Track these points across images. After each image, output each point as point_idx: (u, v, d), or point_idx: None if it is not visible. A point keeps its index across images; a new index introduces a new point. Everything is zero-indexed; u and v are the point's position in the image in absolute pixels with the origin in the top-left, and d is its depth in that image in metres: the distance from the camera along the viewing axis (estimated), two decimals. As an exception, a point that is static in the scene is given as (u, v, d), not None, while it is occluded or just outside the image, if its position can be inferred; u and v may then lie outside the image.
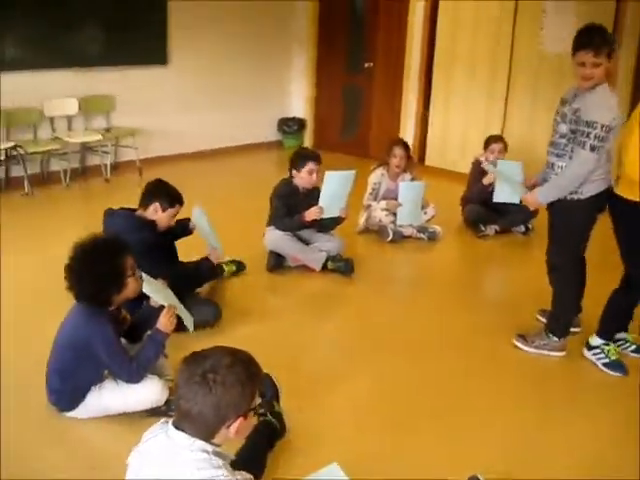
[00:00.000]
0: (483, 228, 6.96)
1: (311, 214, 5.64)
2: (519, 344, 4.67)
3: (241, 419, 2.33)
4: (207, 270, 5.06)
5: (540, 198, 4.40)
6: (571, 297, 4.60)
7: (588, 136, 4.06)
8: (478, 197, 6.97)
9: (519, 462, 3.51)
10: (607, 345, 4.47)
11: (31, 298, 5.00)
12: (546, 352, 4.60)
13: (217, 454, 2.34)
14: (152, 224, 4.61)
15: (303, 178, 5.73)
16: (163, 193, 4.65)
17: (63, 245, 3.55)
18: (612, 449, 3.66)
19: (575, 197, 4.26)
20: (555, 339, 4.58)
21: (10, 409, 3.70)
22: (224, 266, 5.50)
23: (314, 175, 5.72)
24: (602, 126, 4.02)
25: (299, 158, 5.78)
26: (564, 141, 4.23)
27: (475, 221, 7.06)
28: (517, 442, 3.69)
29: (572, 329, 4.72)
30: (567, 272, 4.53)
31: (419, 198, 6.68)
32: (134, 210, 4.68)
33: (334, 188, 5.65)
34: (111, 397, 3.60)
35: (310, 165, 5.70)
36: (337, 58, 10.44)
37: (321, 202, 5.65)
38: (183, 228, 5.09)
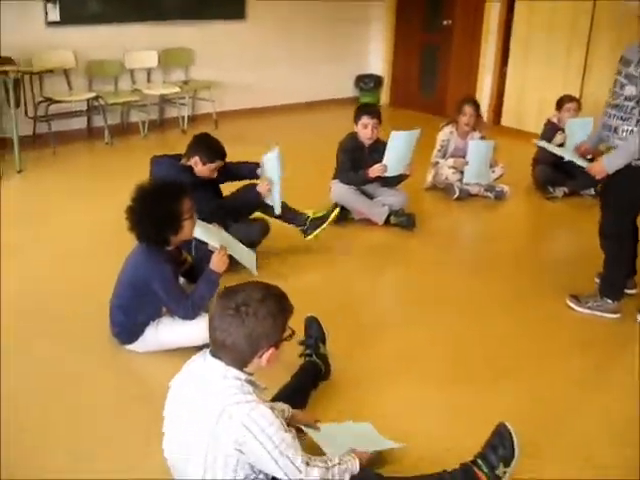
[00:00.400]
0: (552, 190, 6.91)
1: (375, 171, 5.72)
2: (572, 304, 4.67)
3: (272, 349, 2.48)
4: (254, 197, 5.05)
5: (607, 166, 4.26)
6: (621, 262, 4.54)
7: None
8: (549, 158, 6.92)
9: (554, 418, 3.56)
10: None
11: (108, 235, 5.22)
12: (599, 313, 4.58)
13: (250, 382, 2.49)
14: (192, 170, 4.76)
15: (360, 131, 5.81)
16: (204, 147, 4.78)
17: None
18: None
19: (637, 164, 4.15)
20: (609, 301, 4.56)
21: (76, 338, 3.97)
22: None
23: (369, 128, 5.78)
24: None
25: (356, 112, 5.87)
26: (631, 104, 4.12)
27: (544, 182, 7.02)
28: (557, 400, 3.74)
29: (627, 291, 4.71)
30: (620, 240, 4.48)
31: (487, 157, 6.68)
32: (180, 157, 4.85)
33: (399, 147, 5.72)
34: (167, 332, 3.81)
35: (364, 119, 5.77)
36: (416, 16, 10.40)
37: (385, 160, 5.71)
38: (249, 170, 5.16)
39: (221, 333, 2.42)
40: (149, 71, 8.55)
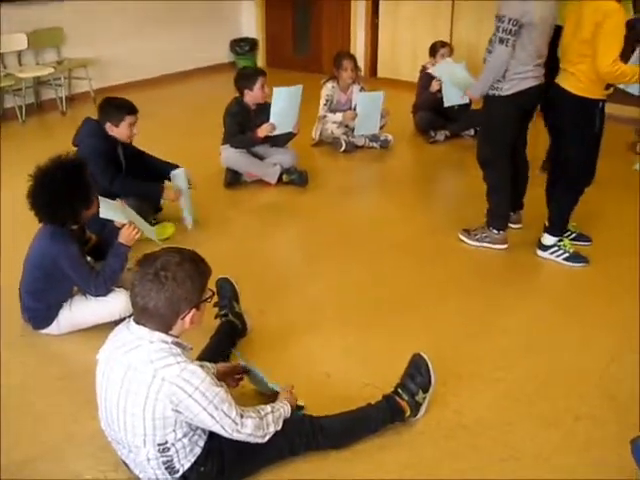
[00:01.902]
0: (433, 134, 7.17)
1: (263, 130, 5.82)
2: (463, 237, 4.96)
3: (194, 310, 2.58)
4: (155, 195, 5.08)
5: (472, 91, 4.68)
6: (502, 191, 4.79)
7: (498, 29, 4.28)
8: (428, 104, 7.16)
9: (464, 340, 3.86)
10: (561, 241, 4.70)
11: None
12: (487, 244, 4.88)
13: (176, 344, 2.58)
14: (112, 138, 4.78)
15: (256, 94, 5.88)
16: (109, 110, 4.78)
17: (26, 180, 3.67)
18: (547, 331, 3.99)
19: (496, 93, 4.49)
20: (495, 232, 4.84)
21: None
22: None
23: (265, 89, 5.89)
24: (509, 20, 4.22)
25: (249, 77, 5.92)
26: (492, 37, 4.41)
27: (426, 128, 7.27)
28: (462, 324, 4.03)
29: (513, 225, 5.01)
30: (497, 167, 4.74)
31: (377, 108, 6.82)
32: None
33: (283, 104, 5.82)
34: (81, 311, 3.84)
35: (261, 80, 5.86)
36: (285, -25, 10.43)
37: (272, 119, 5.82)
38: (164, 169, 5.16)
39: (142, 299, 2.50)
40: (20, 54, 8.30)
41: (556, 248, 4.67)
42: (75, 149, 4.64)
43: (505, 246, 4.87)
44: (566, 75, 4.32)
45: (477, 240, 4.91)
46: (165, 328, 2.56)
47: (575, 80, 4.26)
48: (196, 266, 2.58)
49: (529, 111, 4.63)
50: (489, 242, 4.88)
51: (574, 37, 4.20)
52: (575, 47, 4.21)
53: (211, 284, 3.47)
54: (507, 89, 4.45)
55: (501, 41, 4.29)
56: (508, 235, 4.89)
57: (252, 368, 3.21)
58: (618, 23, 4.05)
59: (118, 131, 4.77)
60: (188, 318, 2.57)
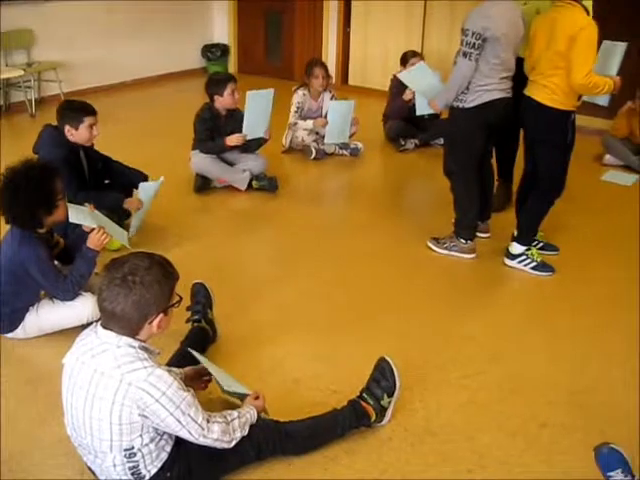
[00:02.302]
0: (403, 142, 7.21)
1: (232, 140, 5.84)
2: (432, 246, 4.99)
3: (162, 315, 2.57)
4: (116, 203, 4.93)
5: (437, 102, 4.71)
6: (468, 201, 4.83)
7: (462, 43, 4.35)
8: (398, 113, 7.21)
9: (432, 347, 3.89)
10: (529, 250, 4.73)
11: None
12: (455, 253, 4.92)
13: (143, 349, 2.58)
14: (73, 144, 4.70)
15: (226, 100, 5.87)
16: (68, 112, 4.69)
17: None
18: (514, 339, 4.03)
19: (460, 105, 4.55)
20: (463, 241, 4.89)
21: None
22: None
23: (236, 94, 5.89)
24: (473, 33, 4.29)
25: (219, 82, 5.91)
26: (458, 49, 4.49)
27: (396, 136, 7.30)
28: (430, 331, 4.06)
29: (481, 234, 5.07)
30: (462, 178, 4.79)
31: (349, 117, 6.84)
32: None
33: (256, 108, 5.82)
34: (48, 315, 3.81)
35: (231, 86, 5.85)
36: (257, -18, 10.44)
37: (245, 123, 5.83)
38: (134, 178, 5.11)
39: (110, 303, 2.49)
40: (-12, 55, 8.27)
41: (524, 257, 4.70)
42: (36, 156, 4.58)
43: (473, 255, 4.91)
44: (537, 87, 4.37)
45: (445, 249, 4.95)
46: (132, 332, 2.55)
47: (548, 92, 4.31)
48: (164, 270, 2.58)
49: (494, 124, 4.65)
50: (457, 251, 4.91)
51: (547, 50, 4.25)
52: (548, 59, 4.26)
53: (186, 289, 3.51)
54: (471, 101, 4.51)
55: (464, 54, 4.36)
56: (477, 243, 4.94)
57: (219, 374, 3.20)
58: (592, 37, 4.12)
59: (78, 134, 4.68)
60: (155, 322, 2.56)
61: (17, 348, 3.82)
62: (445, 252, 4.95)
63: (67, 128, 4.66)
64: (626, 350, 3.87)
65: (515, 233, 4.75)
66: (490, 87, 4.47)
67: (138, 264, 2.52)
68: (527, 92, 4.47)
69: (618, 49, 4.43)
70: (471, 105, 4.51)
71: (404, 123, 7.23)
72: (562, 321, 4.19)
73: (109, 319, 2.54)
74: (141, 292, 2.47)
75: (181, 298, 2.71)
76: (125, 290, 2.46)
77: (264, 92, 5.89)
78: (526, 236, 4.71)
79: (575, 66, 4.15)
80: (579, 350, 3.89)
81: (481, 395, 3.47)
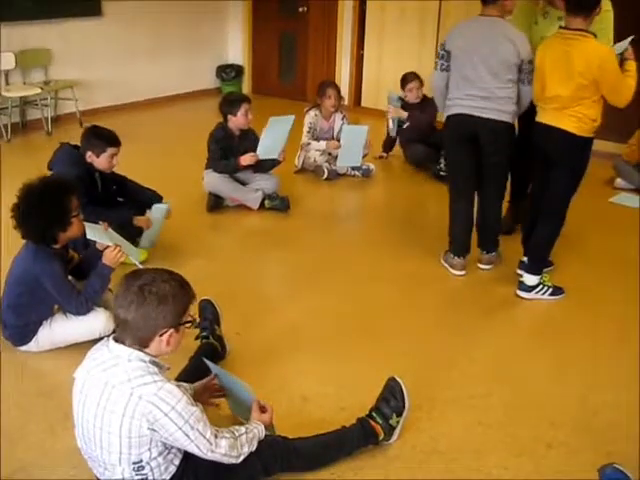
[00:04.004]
0: (441, 166, 6.84)
1: (246, 160, 5.91)
2: (442, 260, 5.11)
3: (172, 330, 2.59)
4: (121, 218, 4.86)
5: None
6: (452, 212, 5.00)
7: (437, 55, 4.71)
8: (415, 136, 7.23)
9: (440, 367, 3.91)
10: (541, 277, 4.70)
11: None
12: (446, 265, 5.04)
13: (154, 363, 2.61)
14: (90, 165, 4.75)
15: (239, 120, 5.94)
16: (92, 139, 4.74)
17: (10, 197, 3.73)
18: (522, 361, 4.06)
19: (445, 114, 4.83)
20: (452, 256, 4.99)
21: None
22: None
23: (249, 115, 5.95)
24: (441, 46, 4.67)
25: (232, 102, 5.98)
26: None
27: (421, 161, 7.27)
28: (438, 351, 4.09)
29: (480, 265, 5.10)
30: (452, 200, 4.99)
31: (361, 141, 6.87)
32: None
33: (275, 131, 5.91)
34: (61, 329, 3.86)
35: (245, 106, 5.92)
36: (272, 3, 10.53)
37: (261, 143, 5.91)
38: (148, 198, 5.16)
39: (123, 310, 2.52)
40: (7, 73, 8.34)
41: (540, 287, 4.68)
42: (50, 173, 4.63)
43: (461, 273, 4.97)
44: (559, 116, 4.33)
45: (443, 259, 5.08)
46: (142, 344, 2.58)
47: (575, 120, 4.29)
48: (181, 287, 2.61)
49: (465, 139, 4.73)
50: (448, 265, 5.03)
51: (566, 84, 4.22)
52: (570, 94, 4.23)
53: (194, 307, 3.54)
54: (447, 112, 4.78)
55: (436, 64, 4.70)
56: (488, 272, 5.03)
57: (230, 383, 3.23)
58: (614, 59, 4.15)
59: (98, 161, 4.73)
60: (165, 337, 2.58)
61: (30, 361, 3.86)
62: (442, 262, 5.08)
63: (89, 154, 4.71)
64: (633, 372, 3.87)
65: (525, 261, 4.76)
66: (454, 101, 4.70)
67: (157, 277, 2.56)
68: (548, 120, 4.42)
69: (624, 44, 4.42)
70: (447, 114, 4.80)
71: (425, 147, 7.18)
72: (569, 343, 4.20)
73: (121, 327, 2.57)
74: (154, 303, 2.51)
75: (194, 319, 2.74)
76: (139, 299, 2.50)
77: (285, 118, 5.99)
78: (538, 264, 4.69)
79: (614, 95, 4.22)
80: (586, 372, 3.90)
81: (488, 415, 3.49)
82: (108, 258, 3.83)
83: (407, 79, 7.29)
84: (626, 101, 4.24)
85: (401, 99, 7.30)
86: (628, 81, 4.21)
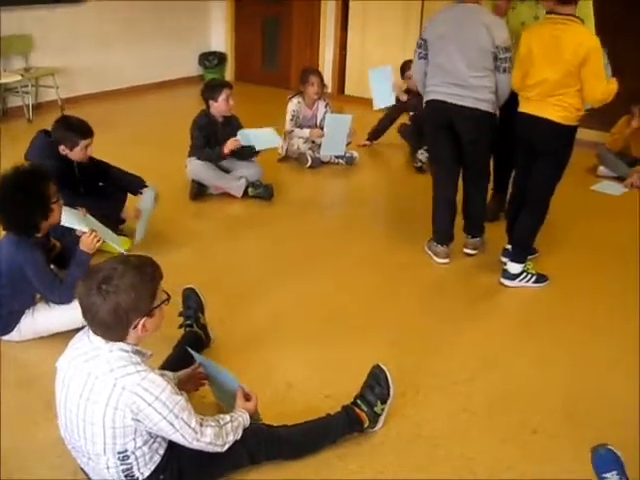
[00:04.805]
0: (420, 158, 6.89)
1: (229, 145, 5.88)
2: (425, 248, 5.11)
3: (145, 318, 2.54)
4: (114, 211, 5.04)
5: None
6: (434, 199, 5.01)
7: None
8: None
9: (424, 354, 3.92)
10: (525, 265, 4.72)
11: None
12: (430, 253, 5.05)
13: (136, 352, 2.58)
14: (65, 156, 4.73)
15: (221, 106, 5.92)
16: (64, 134, 4.71)
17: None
18: (506, 348, 4.07)
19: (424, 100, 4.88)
20: (435, 244, 5.00)
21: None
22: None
23: (230, 101, 5.93)
24: (420, 36, 4.77)
25: (213, 88, 5.97)
26: None
27: (407, 137, 7.38)
28: (422, 338, 4.10)
29: (465, 249, 5.12)
30: (435, 188, 5.01)
31: (345, 131, 6.89)
32: None
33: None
34: (43, 319, 3.83)
35: (226, 92, 5.91)
36: (254, -10, 10.49)
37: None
38: (132, 184, 5.15)
39: (89, 313, 2.48)
40: (-14, 60, 8.27)
41: (524, 275, 4.69)
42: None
43: (445, 261, 4.98)
44: (544, 106, 4.33)
45: (427, 247, 5.08)
46: (118, 339, 2.55)
47: (560, 110, 4.29)
48: (142, 274, 2.52)
49: (447, 127, 4.75)
50: (432, 252, 5.03)
51: (553, 70, 4.22)
52: (556, 80, 4.23)
53: (176, 294, 3.53)
54: (426, 97, 4.82)
55: (415, 52, 4.77)
56: (471, 257, 5.06)
57: (214, 372, 3.22)
58: (600, 52, 4.14)
59: (72, 154, 4.72)
60: (140, 326, 2.54)
61: (12, 350, 3.83)
62: (426, 249, 5.08)
63: (62, 147, 4.69)
64: (618, 358, 3.90)
65: (509, 249, 4.77)
66: (431, 88, 4.75)
67: (112, 273, 2.47)
68: (532, 110, 4.42)
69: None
70: (426, 99, 4.84)
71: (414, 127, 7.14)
72: (554, 329, 4.22)
73: (92, 328, 2.55)
74: (117, 300, 2.44)
75: (169, 296, 2.67)
76: (100, 299, 2.44)
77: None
78: (523, 252, 4.70)
79: (592, 86, 4.18)
80: (571, 358, 3.92)
81: (473, 401, 3.50)
82: (85, 244, 3.80)
83: (406, 67, 7.21)
84: (601, 96, 4.22)
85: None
86: (609, 82, 4.23)
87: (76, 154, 4.73)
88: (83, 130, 4.73)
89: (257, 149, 6.01)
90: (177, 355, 3.47)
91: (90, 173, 4.97)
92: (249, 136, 5.94)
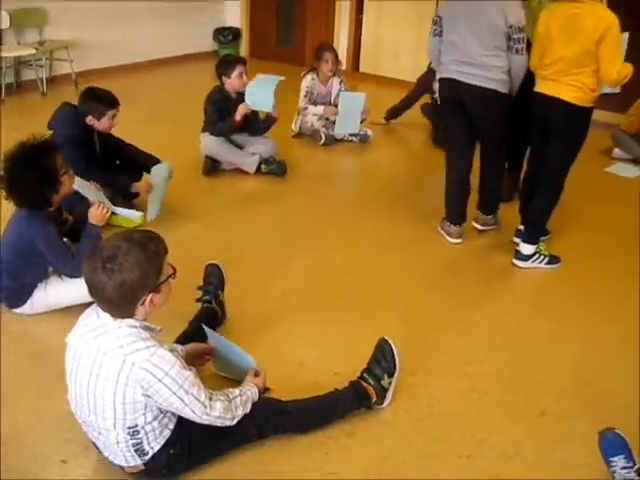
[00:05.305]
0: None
1: (240, 111, 5.84)
2: (438, 227, 5.10)
3: (152, 294, 2.54)
4: (121, 185, 5.10)
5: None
6: (447, 179, 4.99)
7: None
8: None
9: (436, 333, 3.92)
10: (538, 246, 4.71)
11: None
12: (443, 233, 5.03)
13: (145, 328, 2.59)
14: (90, 127, 4.80)
15: (234, 82, 5.90)
16: (92, 104, 4.78)
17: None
18: (518, 328, 4.07)
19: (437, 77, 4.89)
20: (448, 224, 4.99)
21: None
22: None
23: (244, 77, 5.91)
24: (436, 13, 4.77)
25: (227, 64, 5.93)
26: None
27: (429, 114, 7.34)
28: (434, 317, 4.09)
29: (476, 225, 5.12)
30: (448, 168, 4.98)
31: (359, 109, 6.87)
32: None
33: (262, 87, 5.87)
34: (55, 292, 3.85)
35: (239, 68, 5.88)
36: (270, -34, 10.41)
37: (248, 96, 5.86)
38: (146, 161, 5.19)
39: (96, 292, 2.49)
40: (1, 33, 8.21)
41: (536, 256, 4.67)
42: (49, 132, 4.63)
43: (457, 241, 4.96)
44: (561, 85, 4.30)
45: (440, 227, 5.07)
46: (127, 315, 2.55)
47: (575, 90, 4.26)
48: (146, 250, 2.50)
49: (459, 106, 4.68)
50: (445, 232, 5.02)
51: (570, 48, 4.19)
52: (572, 59, 4.20)
53: (194, 269, 3.53)
54: (439, 74, 4.81)
55: (430, 30, 4.71)
56: (484, 234, 5.04)
57: (228, 347, 3.23)
58: (618, 32, 4.10)
59: (99, 124, 4.81)
60: (148, 302, 2.54)
61: (23, 323, 3.85)
62: (439, 229, 5.06)
63: (89, 118, 4.77)
64: (629, 341, 3.89)
65: (522, 230, 4.76)
66: (445, 66, 4.69)
67: (116, 251, 2.45)
68: (547, 90, 4.38)
69: (622, 39, 4.40)
70: (439, 77, 4.83)
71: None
72: (566, 311, 4.21)
73: (100, 305, 2.55)
74: (122, 278, 2.43)
75: (174, 271, 2.66)
76: (105, 278, 2.43)
77: (273, 77, 5.92)
78: (536, 233, 4.69)
79: (608, 63, 4.13)
80: (583, 340, 3.91)
81: (484, 381, 3.50)
82: (94, 216, 3.81)
83: None
84: (617, 76, 4.15)
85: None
86: (625, 69, 4.17)
87: (103, 124, 4.82)
88: (109, 100, 4.82)
89: (252, 108, 5.93)
90: (193, 330, 3.47)
91: (108, 148, 5.04)
92: (253, 91, 5.89)
